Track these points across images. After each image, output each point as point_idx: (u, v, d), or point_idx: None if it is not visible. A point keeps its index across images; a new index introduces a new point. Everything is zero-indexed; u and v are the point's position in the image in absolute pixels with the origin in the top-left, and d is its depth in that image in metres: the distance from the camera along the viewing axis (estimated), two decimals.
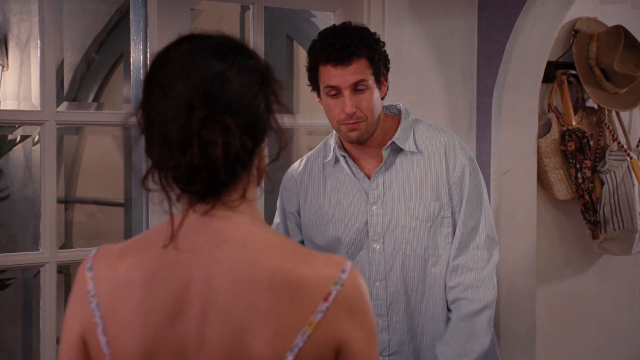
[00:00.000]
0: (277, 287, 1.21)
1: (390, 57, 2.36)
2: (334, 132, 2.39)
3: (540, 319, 3.45)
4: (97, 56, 4.26)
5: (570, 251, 3.70)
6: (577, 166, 3.46)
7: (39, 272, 2.56)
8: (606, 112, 3.66)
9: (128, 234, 3.49)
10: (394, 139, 2.33)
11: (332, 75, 2.23)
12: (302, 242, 2.45)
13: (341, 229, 2.37)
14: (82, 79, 4.28)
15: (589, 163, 3.48)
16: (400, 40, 3.05)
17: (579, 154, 3.47)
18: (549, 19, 3.21)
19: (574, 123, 3.51)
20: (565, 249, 3.68)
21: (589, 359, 3.80)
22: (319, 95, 2.32)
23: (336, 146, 2.38)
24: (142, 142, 1.25)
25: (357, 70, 2.23)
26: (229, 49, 1.26)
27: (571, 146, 3.45)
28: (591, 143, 3.53)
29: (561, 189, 3.51)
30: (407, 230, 2.33)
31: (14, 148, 4.08)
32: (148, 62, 2.70)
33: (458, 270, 2.32)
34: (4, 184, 4.12)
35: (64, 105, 3.87)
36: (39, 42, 2.54)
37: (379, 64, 2.28)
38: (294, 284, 1.21)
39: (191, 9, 2.95)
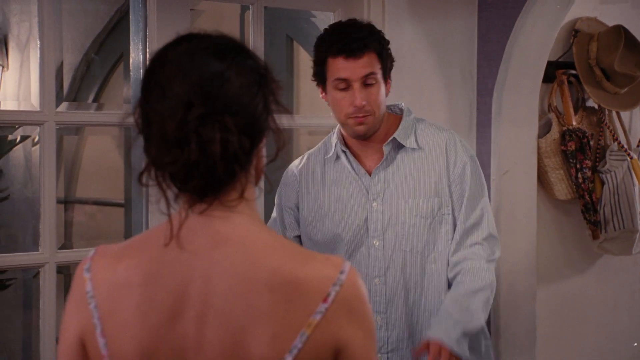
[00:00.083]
0: (276, 288, 1.21)
1: None
2: (336, 128, 2.39)
3: (540, 319, 3.45)
4: (97, 56, 4.26)
5: (571, 251, 3.69)
6: (578, 166, 3.46)
7: (38, 272, 2.56)
8: (606, 112, 3.66)
9: (128, 234, 3.49)
10: (395, 135, 2.34)
11: (342, 67, 2.24)
12: (299, 238, 2.45)
13: (341, 225, 2.37)
14: (82, 80, 4.28)
15: (589, 163, 3.48)
16: (400, 40, 3.05)
17: (579, 154, 3.46)
18: (549, 19, 3.21)
19: (574, 123, 3.50)
20: (566, 249, 3.68)
21: (589, 359, 3.79)
22: (323, 90, 2.32)
23: (338, 142, 2.38)
24: (142, 142, 1.25)
25: (368, 63, 2.24)
26: (228, 49, 1.26)
27: (571, 146, 3.45)
28: (591, 143, 3.53)
29: (561, 189, 3.51)
30: (407, 226, 2.33)
31: (14, 148, 4.08)
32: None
33: (458, 264, 2.31)
34: (4, 184, 4.12)
35: (63, 106, 3.88)
36: (38, 42, 2.54)
37: (387, 60, 2.30)
38: (293, 284, 1.21)
39: (191, 9, 2.95)
